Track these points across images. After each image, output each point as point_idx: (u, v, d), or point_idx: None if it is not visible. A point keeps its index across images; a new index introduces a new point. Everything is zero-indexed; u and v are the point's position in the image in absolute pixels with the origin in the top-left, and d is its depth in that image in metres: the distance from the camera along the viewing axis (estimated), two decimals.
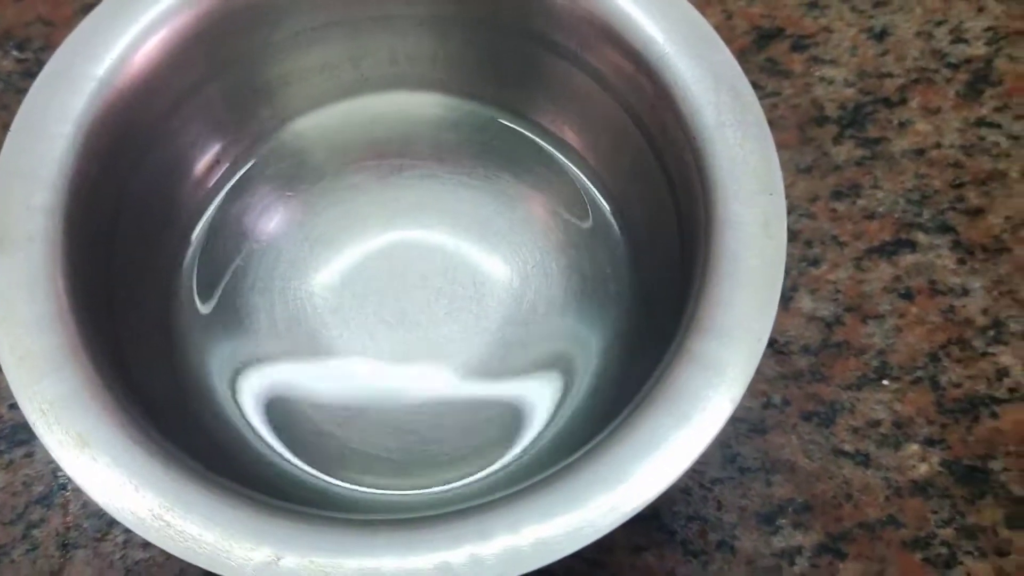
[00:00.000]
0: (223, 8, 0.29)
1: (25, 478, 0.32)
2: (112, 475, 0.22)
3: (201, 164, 0.32)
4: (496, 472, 0.29)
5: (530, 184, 0.33)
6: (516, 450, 0.30)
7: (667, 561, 0.31)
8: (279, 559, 0.21)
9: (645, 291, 0.31)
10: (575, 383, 0.31)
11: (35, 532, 0.31)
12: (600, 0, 0.28)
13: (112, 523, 0.31)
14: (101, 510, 0.28)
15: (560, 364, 0.31)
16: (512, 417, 0.30)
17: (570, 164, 0.34)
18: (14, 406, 0.33)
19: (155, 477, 0.22)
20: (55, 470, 0.32)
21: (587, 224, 0.33)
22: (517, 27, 0.31)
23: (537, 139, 0.34)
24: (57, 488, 0.32)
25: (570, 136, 0.33)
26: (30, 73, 0.38)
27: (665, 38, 0.27)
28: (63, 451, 0.22)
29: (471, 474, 0.29)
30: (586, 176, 0.33)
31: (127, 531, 0.29)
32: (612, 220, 0.33)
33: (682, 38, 0.27)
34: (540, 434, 0.30)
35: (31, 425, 0.23)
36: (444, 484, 0.29)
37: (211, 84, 0.31)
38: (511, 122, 0.34)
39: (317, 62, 0.33)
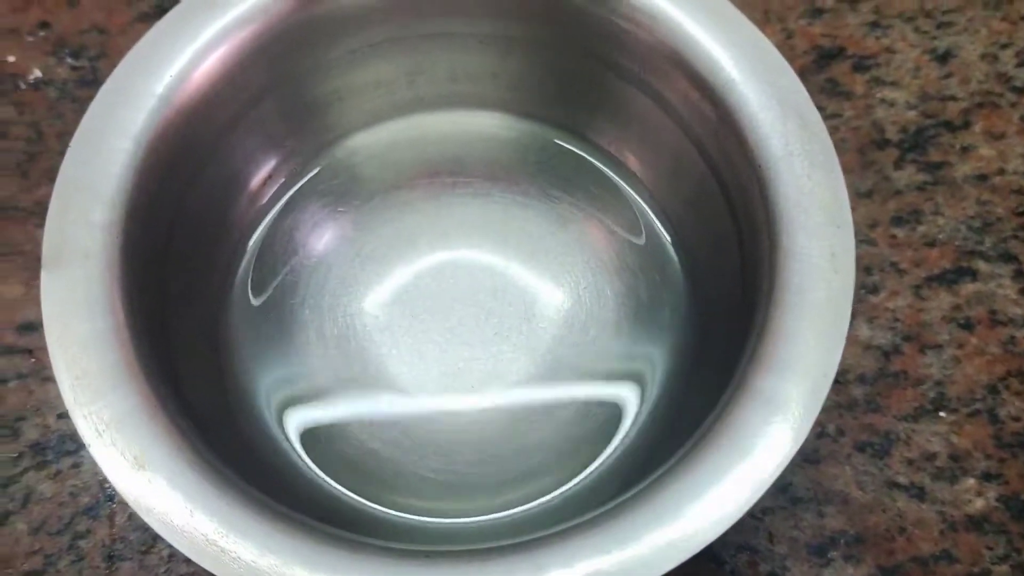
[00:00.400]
0: (282, 25, 0.29)
1: (72, 488, 0.32)
2: (167, 498, 0.22)
3: (255, 180, 0.32)
4: (547, 502, 0.29)
5: (586, 206, 0.33)
6: (568, 478, 0.29)
7: None
8: None
9: (703, 319, 0.31)
10: (629, 411, 0.30)
11: (81, 543, 0.31)
12: (666, 24, 0.27)
13: (157, 537, 0.31)
14: (147, 523, 0.28)
15: (613, 391, 0.31)
16: (562, 443, 0.30)
17: (628, 187, 0.33)
18: (62, 416, 0.33)
19: (210, 501, 0.22)
20: (102, 481, 0.32)
21: (644, 249, 0.32)
22: (580, 48, 0.30)
23: (595, 161, 0.33)
24: (104, 499, 0.32)
25: (630, 159, 0.33)
26: (85, 81, 0.38)
27: (731, 63, 0.27)
28: (119, 473, 0.22)
29: (520, 500, 0.29)
30: (644, 200, 0.33)
31: (172, 545, 0.29)
32: (670, 246, 0.32)
33: (748, 63, 0.27)
34: (594, 464, 0.29)
35: (87, 446, 0.23)
36: (492, 510, 0.29)
37: (267, 100, 0.31)
38: (569, 143, 0.34)
39: (373, 79, 0.33)
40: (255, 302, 0.32)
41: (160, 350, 0.26)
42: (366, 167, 0.34)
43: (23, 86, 0.38)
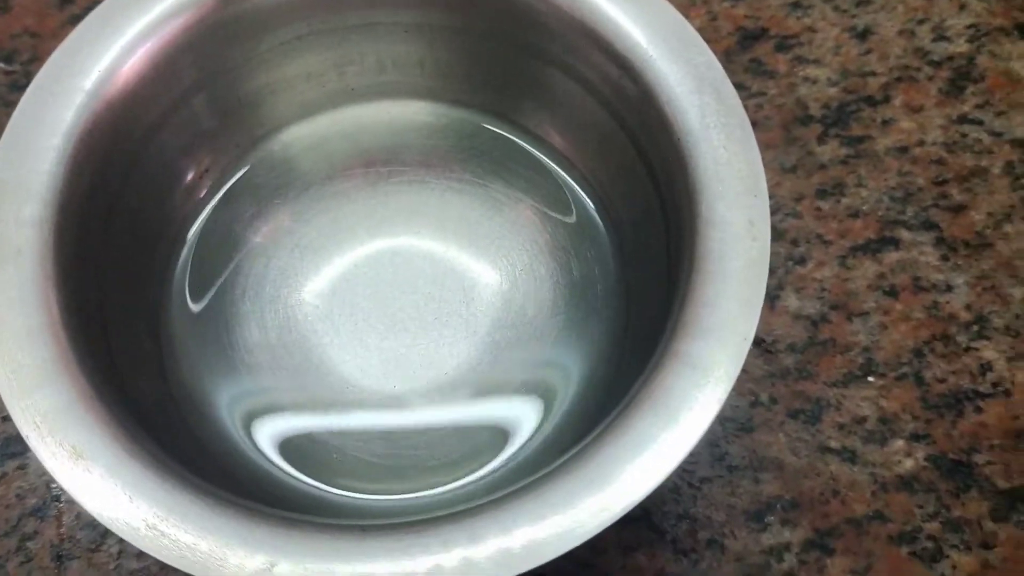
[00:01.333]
0: (210, 20, 0.29)
1: (19, 490, 0.32)
2: (106, 486, 0.22)
3: (191, 174, 0.33)
4: (487, 476, 0.29)
5: (518, 188, 0.34)
6: (507, 453, 0.30)
7: (657, 560, 0.31)
8: (273, 566, 0.21)
9: (633, 292, 0.32)
10: (566, 385, 0.31)
11: (29, 544, 0.31)
12: (584, 5, 0.28)
13: (106, 534, 0.31)
14: (95, 521, 0.28)
15: (550, 367, 0.31)
16: (503, 420, 0.31)
17: (557, 167, 0.34)
18: (6, 419, 0.33)
19: (149, 487, 0.22)
20: (48, 482, 0.32)
21: (574, 226, 0.33)
22: (502, 33, 0.31)
23: (524, 143, 0.34)
24: (51, 500, 0.32)
25: (556, 140, 0.34)
26: (18, 86, 0.38)
27: (648, 41, 0.27)
28: (57, 463, 0.23)
29: (462, 478, 0.29)
30: (573, 179, 0.34)
31: (121, 542, 0.29)
32: (599, 221, 0.33)
33: (665, 41, 0.27)
34: (531, 437, 0.30)
35: (25, 438, 0.23)
36: (436, 488, 0.29)
37: (198, 95, 0.31)
38: (498, 127, 0.34)
39: (303, 71, 0.33)
40: (195, 296, 0.32)
41: (97, 343, 0.26)
42: (301, 159, 0.34)
43: None
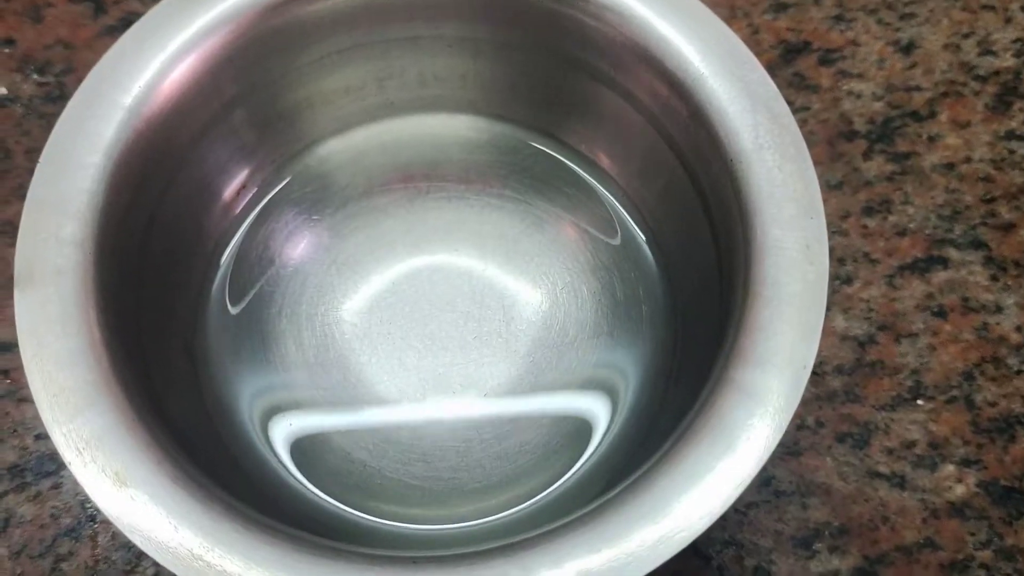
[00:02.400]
0: (249, 34, 0.28)
1: (53, 510, 0.32)
2: (151, 514, 0.22)
3: (228, 190, 0.32)
4: (533, 504, 0.29)
5: (560, 206, 0.33)
6: (552, 480, 0.29)
7: None
8: None
9: (680, 314, 0.31)
10: (610, 409, 0.30)
11: (64, 566, 0.31)
12: (634, 21, 0.27)
13: (142, 556, 0.31)
14: (130, 542, 0.28)
15: (593, 389, 0.31)
16: (545, 445, 0.30)
17: (601, 187, 0.33)
18: (40, 436, 0.32)
19: (194, 515, 0.22)
20: (83, 501, 0.32)
21: (619, 247, 0.33)
22: (549, 49, 0.30)
23: (567, 161, 0.34)
24: (86, 520, 0.31)
25: (602, 158, 0.33)
26: (51, 97, 0.38)
27: (700, 58, 0.27)
28: (100, 490, 0.22)
29: (505, 504, 0.29)
30: (617, 199, 0.33)
31: (157, 564, 0.28)
32: (644, 243, 0.32)
33: (717, 58, 0.27)
34: (576, 464, 0.30)
35: (67, 464, 0.22)
36: (477, 515, 0.29)
37: (238, 109, 0.30)
38: (541, 144, 0.34)
39: (342, 84, 0.33)
40: (232, 313, 0.32)
41: (137, 365, 0.26)
42: (339, 174, 0.34)
43: None
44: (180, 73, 0.28)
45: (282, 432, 0.30)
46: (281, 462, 0.30)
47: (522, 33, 0.30)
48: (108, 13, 0.40)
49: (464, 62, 0.32)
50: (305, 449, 0.30)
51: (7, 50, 0.39)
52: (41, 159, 0.26)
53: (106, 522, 0.31)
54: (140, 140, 0.27)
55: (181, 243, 0.30)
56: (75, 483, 0.32)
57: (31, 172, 0.36)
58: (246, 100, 0.30)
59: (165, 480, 0.22)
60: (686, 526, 0.22)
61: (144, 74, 0.27)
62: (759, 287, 0.24)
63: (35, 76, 0.38)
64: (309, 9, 0.29)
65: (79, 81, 0.38)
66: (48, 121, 0.37)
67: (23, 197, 0.34)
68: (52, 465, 0.32)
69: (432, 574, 0.21)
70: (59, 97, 0.38)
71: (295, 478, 0.29)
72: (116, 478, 0.22)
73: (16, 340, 0.33)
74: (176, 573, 0.21)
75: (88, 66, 0.38)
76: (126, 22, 0.39)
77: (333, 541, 0.22)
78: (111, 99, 0.27)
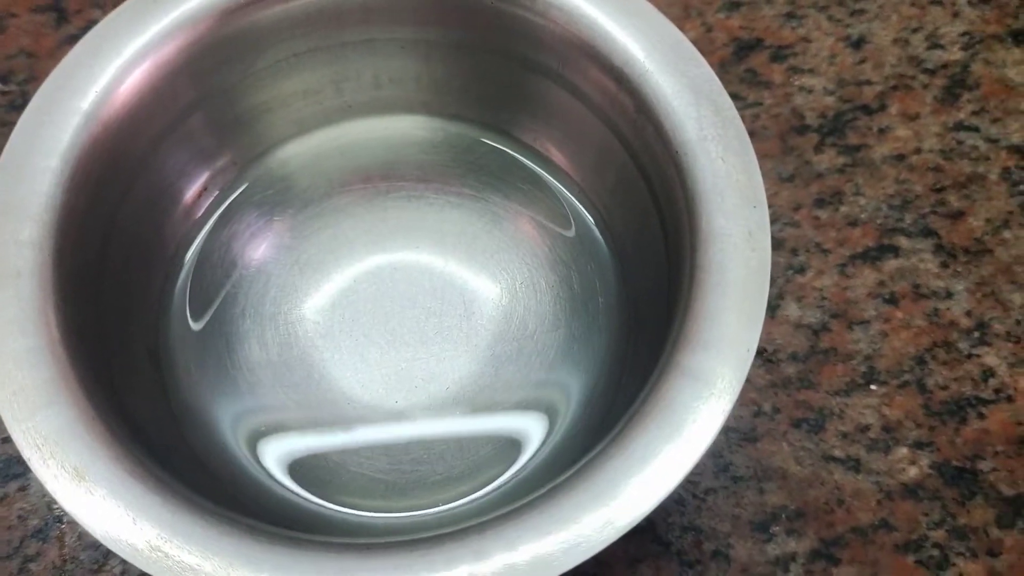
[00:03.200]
0: (207, 39, 0.29)
1: (20, 512, 0.32)
2: (109, 508, 0.22)
3: (188, 193, 0.33)
4: (491, 492, 0.29)
5: (516, 202, 0.34)
6: (510, 468, 0.30)
7: (663, 573, 0.31)
8: None
9: (634, 304, 0.32)
10: (568, 399, 0.31)
11: (32, 566, 0.31)
12: (581, 19, 0.28)
13: (109, 555, 0.31)
14: (97, 542, 0.28)
15: (553, 381, 0.31)
16: (505, 435, 0.30)
17: (555, 181, 0.34)
18: (7, 440, 0.33)
19: (152, 508, 0.22)
20: (50, 503, 0.32)
21: (573, 239, 0.33)
22: (499, 49, 0.31)
23: (522, 157, 0.34)
24: (53, 521, 0.32)
25: (554, 153, 0.34)
26: (14, 106, 0.38)
27: (645, 55, 0.27)
28: (59, 485, 0.22)
29: (466, 494, 0.29)
30: (571, 192, 0.34)
31: (124, 562, 0.29)
32: (598, 234, 0.33)
33: (662, 54, 0.28)
34: (534, 451, 0.30)
35: (26, 460, 0.23)
36: (440, 505, 0.29)
37: (195, 114, 0.31)
38: (495, 142, 0.34)
39: (299, 88, 0.33)
40: (195, 315, 0.32)
41: (98, 365, 0.26)
42: (299, 176, 0.34)
43: None
44: (137, 78, 0.28)
45: (248, 430, 0.31)
46: (247, 458, 0.30)
47: (472, 34, 0.31)
48: (70, 23, 0.40)
49: (417, 64, 0.33)
50: (271, 446, 0.30)
51: None
52: None
53: (73, 523, 0.31)
54: (97, 144, 0.27)
55: (142, 246, 0.31)
56: (42, 485, 0.32)
57: None
58: (204, 104, 0.31)
59: (123, 474, 0.23)
60: (634, 508, 0.22)
61: (101, 79, 0.28)
62: (704, 274, 0.25)
63: None
64: (265, 14, 0.30)
65: None
66: (11, 129, 0.37)
67: None
68: (19, 468, 0.32)
69: (385, 560, 0.22)
70: (22, 106, 0.38)
71: (259, 472, 0.30)
72: (75, 473, 0.23)
73: None
74: (134, 564, 0.22)
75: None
76: (88, 31, 0.40)
77: (291, 530, 0.23)
78: (68, 104, 0.27)
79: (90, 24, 0.40)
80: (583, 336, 0.32)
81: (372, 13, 0.31)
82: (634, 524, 0.22)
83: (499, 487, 0.29)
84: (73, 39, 0.40)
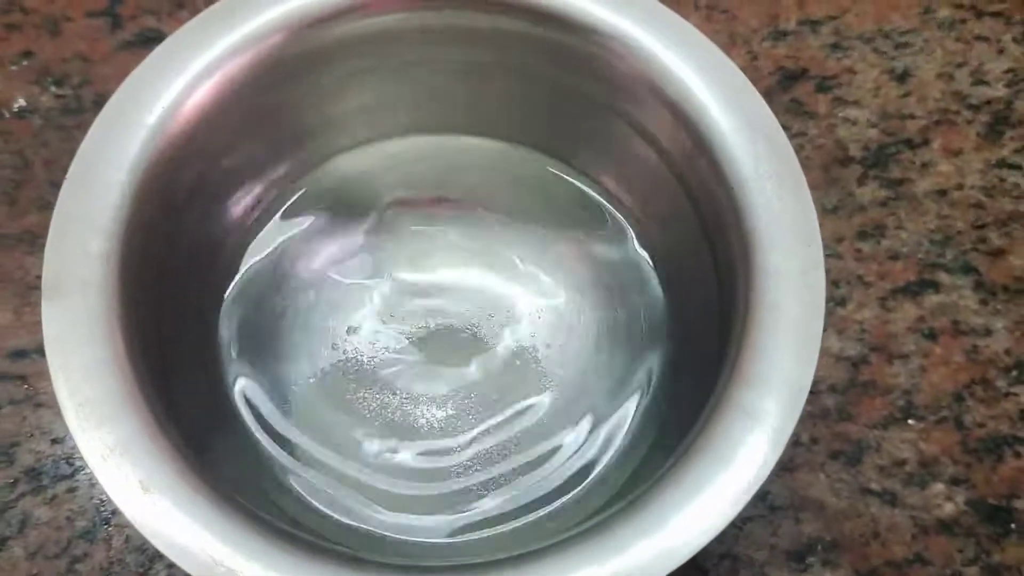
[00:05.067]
0: (273, 57, 0.29)
1: (69, 513, 0.32)
2: (173, 520, 0.23)
3: (244, 205, 0.33)
4: (542, 518, 0.30)
5: (566, 226, 0.34)
6: (559, 495, 0.30)
7: None
8: None
9: (682, 335, 0.32)
10: (612, 427, 0.31)
11: (79, 567, 0.32)
12: (640, 52, 0.28)
13: (154, 559, 0.32)
14: (144, 545, 0.28)
15: (596, 407, 0.32)
16: (549, 459, 0.31)
17: (606, 209, 0.34)
18: (56, 440, 0.33)
19: (215, 523, 0.23)
20: (98, 505, 0.32)
21: (621, 266, 0.34)
22: (557, 77, 0.31)
23: (574, 182, 0.34)
24: (100, 522, 0.32)
25: (607, 181, 0.34)
26: (69, 109, 0.39)
27: (703, 89, 0.28)
28: (125, 496, 0.23)
29: (513, 516, 0.30)
30: (622, 221, 0.34)
31: (170, 566, 0.29)
32: (648, 263, 0.33)
33: (719, 89, 0.28)
34: (580, 480, 0.30)
35: (92, 470, 0.23)
36: (487, 527, 0.30)
37: (256, 129, 0.31)
38: (548, 166, 0.35)
39: (357, 104, 0.33)
40: (246, 326, 0.32)
41: (158, 376, 0.26)
42: (351, 192, 0.35)
43: (7, 115, 0.39)
44: (202, 94, 0.28)
45: (295, 444, 0.31)
46: (292, 473, 0.31)
47: (529, 61, 0.31)
48: (124, 28, 0.41)
49: (474, 86, 0.33)
50: (318, 461, 0.31)
51: (26, 63, 0.40)
52: (69, 173, 0.27)
53: (120, 525, 0.32)
54: (162, 158, 0.28)
55: (199, 258, 0.31)
56: (90, 487, 0.33)
57: (49, 182, 0.37)
58: (265, 120, 0.31)
59: (187, 488, 0.23)
60: (687, 540, 0.23)
61: (167, 94, 0.28)
62: (759, 311, 0.25)
63: (53, 88, 0.39)
64: (332, 32, 0.30)
65: (96, 93, 0.39)
66: (66, 132, 0.38)
67: (41, 207, 0.35)
68: (68, 469, 0.33)
69: None
70: (76, 109, 0.39)
71: (311, 489, 0.30)
72: (140, 485, 0.23)
73: (33, 346, 0.34)
74: None
75: (104, 79, 0.39)
76: (142, 37, 0.40)
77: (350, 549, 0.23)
78: (136, 117, 0.28)
79: (144, 30, 0.41)
80: (628, 363, 0.32)
81: (430, 34, 0.31)
82: (688, 557, 0.22)
83: (550, 514, 0.30)
84: (128, 45, 0.40)
